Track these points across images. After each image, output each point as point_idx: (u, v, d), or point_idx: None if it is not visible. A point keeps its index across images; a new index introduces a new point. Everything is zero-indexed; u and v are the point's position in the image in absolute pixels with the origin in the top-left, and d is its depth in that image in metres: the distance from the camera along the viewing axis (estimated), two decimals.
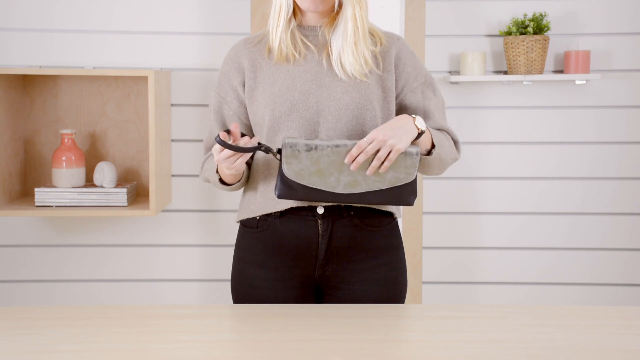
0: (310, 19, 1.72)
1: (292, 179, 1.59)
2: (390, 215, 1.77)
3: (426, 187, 2.94)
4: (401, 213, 1.81)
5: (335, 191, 1.60)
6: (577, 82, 2.87)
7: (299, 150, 1.59)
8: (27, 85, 2.72)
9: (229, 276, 2.71)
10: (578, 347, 1.36)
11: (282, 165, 1.60)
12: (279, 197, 1.61)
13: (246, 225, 1.76)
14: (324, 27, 1.71)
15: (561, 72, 2.92)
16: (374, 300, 1.72)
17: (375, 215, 1.73)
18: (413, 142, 1.64)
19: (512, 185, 2.96)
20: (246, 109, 1.74)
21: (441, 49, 2.91)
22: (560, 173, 2.95)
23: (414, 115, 1.64)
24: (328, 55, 1.70)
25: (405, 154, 1.60)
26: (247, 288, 1.74)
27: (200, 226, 2.86)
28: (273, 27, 1.70)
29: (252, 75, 1.72)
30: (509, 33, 2.82)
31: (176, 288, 2.88)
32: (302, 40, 1.71)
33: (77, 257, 2.84)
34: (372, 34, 1.74)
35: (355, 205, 1.66)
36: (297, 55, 1.69)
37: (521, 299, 2.98)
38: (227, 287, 2.84)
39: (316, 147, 1.59)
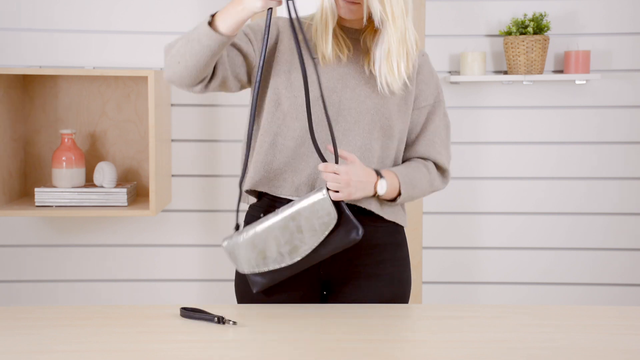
0: (353, 22, 1.72)
1: (250, 273, 1.65)
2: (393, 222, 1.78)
3: None
4: (406, 222, 1.81)
5: (288, 263, 1.62)
6: (577, 82, 2.87)
7: (236, 245, 1.64)
8: (27, 85, 2.72)
9: (229, 276, 2.72)
10: (578, 347, 1.36)
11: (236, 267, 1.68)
12: (257, 292, 1.67)
13: None
14: (366, 33, 1.71)
15: (561, 72, 2.92)
16: (380, 295, 1.73)
17: (377, 216, 1.74)
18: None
19: (512, 185, 2.96)
20: (242, 59, 1.70)
21: (441, 49, 2.91)
22: (560, 173, 2.95)
23: (380, 176, 1.67)
24: (365, 61, 1.71)
25: (321, 202, 1.60)
26: (252, 295, 1.74)
27: (200, 226, 2.86)
28: (322, 33, 1.68)
29: (283, 49, 1.70)
30: (509, 33, 2.82)
31: (176, 288, 2.88)
32: (344, 40, 1.71)
33: (77, 257, 2.84)
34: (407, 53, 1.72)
35: (357, 205, 1.68)
36: (342, 56, 1.69)
37: (521, 299, 2.99)
38: (227, 287, 2.84)
39: (239, 239, 1.64)
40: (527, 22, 2.79)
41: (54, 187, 2.58)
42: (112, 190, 2.56)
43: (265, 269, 1.63)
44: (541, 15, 2.81)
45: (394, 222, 1.76)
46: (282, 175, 1.69)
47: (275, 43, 1.71)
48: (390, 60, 1.66)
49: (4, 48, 2.74)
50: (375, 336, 1.43)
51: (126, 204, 2.57)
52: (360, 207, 1.70)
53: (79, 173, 2.60)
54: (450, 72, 2.92)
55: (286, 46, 1.71)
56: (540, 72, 2.83)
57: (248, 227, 1.64)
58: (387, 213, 1.73)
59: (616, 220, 2.96)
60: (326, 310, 1.59)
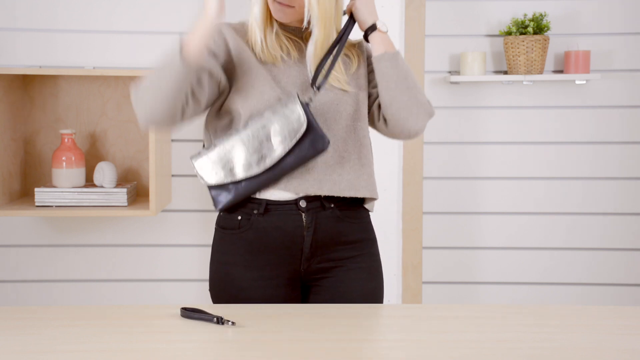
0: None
1: (217, 184, 1.68)
2: (366, 210, 1.81)
3: (426, 187, 2.94)
4: (373, 208, 1.83)
5: (255, 172, 1.66)
6: (577, 82, 2.87)
7: (206, 160, 1.68)
8: (27, 85, 2.72)
9: None
10: (578, 347, 1.36)
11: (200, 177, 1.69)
12: (221, 210, 1.72)
13: (226, 228, 1.76)
14: (307, 33, 1.74)
15: (561, 72, 2.92)
16: (360, 288, 1.76)
17: (352, 208, 1.76)
18: (368, 35, 1.74)
19: (512, 185, 2.96)
20: (217, 66, 1.69)
21: (441, 49, 2.91)
22: (559, 173, 2.95)
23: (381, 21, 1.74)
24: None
25: (292, 106, 1.63)
26: (232, 290, 1.75)
27: (200, 226, 2.86)
28: (254, 31, 1.70)
29: (239, 62, 1.71)
30: (509, 33, 2.82)
31: (176, 288, 2.88)
32: (288, 39, 1.72)
33: (77, 257, 2.84)
34: (349, 55, 1.79)
35: (334, 196, 1.71)
36: (284, 56, 1.70)
37: (521, 299, 2.99)
38: None
39: (208, 153, 1.68)
40: (527, 22, 2.79)
41: (54, 187, 2.58)
42: (112, 190, 2.56)
43: (231, 180, 1.66)
44: (541, 15, 2.81)
45: (365, 217, 1.79)
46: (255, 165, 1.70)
47: (229, 55, 1.71)
48: (316, 60, 1.70)
49: (4, 48, 2.74)
50: (375, 336, 1.43)
51: (126, 204, 2.57)
52: (338, 200, 1.73)
53: (79, 173, 2.60)
54: (450, 72, 2.92)
55: (238, 55, 1.71)
56: (540, 72, 2.83)
57: (216, 141, 1.68)
58: (360, 189, 1.73)
59: (617, 221, 2.96)
60: (325, 310, 1.59)
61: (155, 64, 1.62)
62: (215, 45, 1.70)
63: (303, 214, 1.71)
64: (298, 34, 1.74)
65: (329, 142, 1.65)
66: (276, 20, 1.71)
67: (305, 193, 1.69)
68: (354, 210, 1.77)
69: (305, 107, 1.64)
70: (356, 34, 1.87)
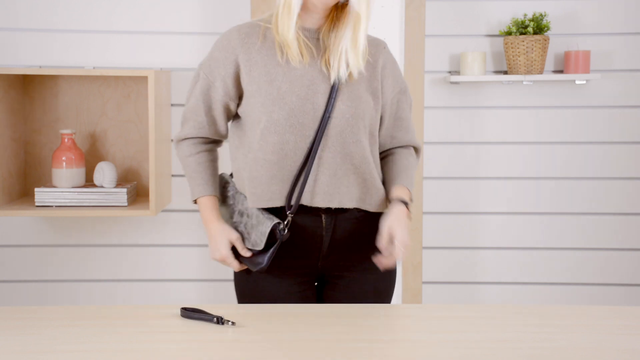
0: (312, 20, 1.71)
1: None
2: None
3: (426, 187, 2.94)
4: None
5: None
6: (577, 82, 2.87)
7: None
8: (27, 85, 2.72)
9: (229, 276, 2.72)
10: (578, 347, 1.36)
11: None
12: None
13: None
14: (323, 31, 1.71)
15: (561, 72, 2.92)
16: (373, 289, 1.78)
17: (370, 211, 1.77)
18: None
19: (512, 185, 2.96)
20: (230, 99, 1.73)
21: (441, 49, 2.91)
22: (560, 173, 2.95)
23: (406, 202, 1.74)
24: (326, 61, 1.70)
25: (265, 229, 1.68)
26: (252, 284, 1.77)
27: (200, 226, 2.86)
28: (285, 25, 1.66)
29: (248, 70, 1.70)
30: (509, 33, 2.82)
31: (176, 288, 2.88)
32: (305, 41, 1.70)
33: (77, 257, 2.84)
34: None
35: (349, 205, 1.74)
36: (303, 59, 1.68)
37: (521, 299, 2.99)
38: (226, 287, 2.84)
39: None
40: (527, 22, 2.79)
41: (54, 187, 2.58)
42: (112, 190, 2.56)
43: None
44: (541, 15, 2.81)
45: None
46: (270, 187, 1.70)
47: (237, 71, 1.71)
48: (358, 47, 1.67)
49: (4, 48, 2.74)
50: (375, 336, 1.43)
51: (126, 204, 2.57)
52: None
53: (79, 173, 2.60)
54: (450, 72, 2.92)
55: (252, 65, 1.70)
56: (540, 72, 2.83)
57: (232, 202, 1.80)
58: (375, 205, 1.78)
59: (620, 220, 2.96)
60: (325, 310, 1.59)
61: (184, 166, 1.82)
62: (226, 73, 1.72)
63: (323, 215, 1.72)
64: (313, 35, 1.72)
65: (259, 270, 1.71)
66: (297, 20, 1.69)
67: (316, 205, 1.70)
68: (372, 212, 1.77)
69: (277, 234, 1.68)
70: (369, 31, 1.85)
